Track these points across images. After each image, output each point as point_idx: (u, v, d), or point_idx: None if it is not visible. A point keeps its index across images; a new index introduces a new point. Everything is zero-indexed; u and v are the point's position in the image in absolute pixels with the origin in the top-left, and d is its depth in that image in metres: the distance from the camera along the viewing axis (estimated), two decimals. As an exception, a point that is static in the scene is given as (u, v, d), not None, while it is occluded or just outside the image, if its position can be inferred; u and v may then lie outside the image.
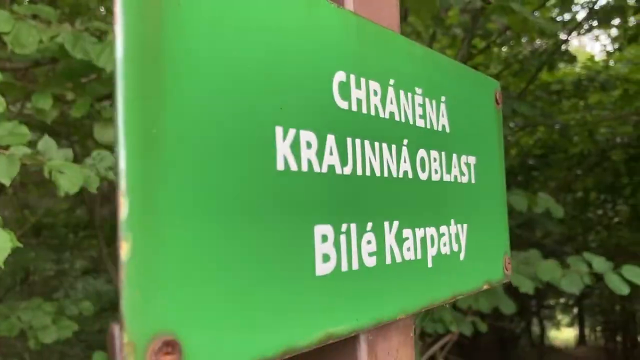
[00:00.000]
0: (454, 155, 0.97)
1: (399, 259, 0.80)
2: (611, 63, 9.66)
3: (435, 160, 0.91)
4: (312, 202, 0.67)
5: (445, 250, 0.91)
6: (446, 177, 0.94)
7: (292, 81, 0.67)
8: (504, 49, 7.70)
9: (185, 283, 0.51)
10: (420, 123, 0.89)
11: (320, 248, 0.67)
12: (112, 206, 5.82)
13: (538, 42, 7.22)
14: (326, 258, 0.68)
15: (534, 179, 9.35)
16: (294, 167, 0.65)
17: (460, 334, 4.75)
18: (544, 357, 16.83)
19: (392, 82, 0.84)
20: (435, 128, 0.93)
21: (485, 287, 1.01)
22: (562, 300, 17.82)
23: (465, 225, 0.98)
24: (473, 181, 1.02)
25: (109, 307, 6.22)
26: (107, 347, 0.47)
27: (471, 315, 4.83)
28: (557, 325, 22.13)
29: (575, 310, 18.77)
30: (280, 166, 0.63)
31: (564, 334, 22.64)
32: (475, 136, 1.05)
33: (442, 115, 0.95)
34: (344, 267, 0.71)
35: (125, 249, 0.46)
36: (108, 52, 2.33)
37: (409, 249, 0.83)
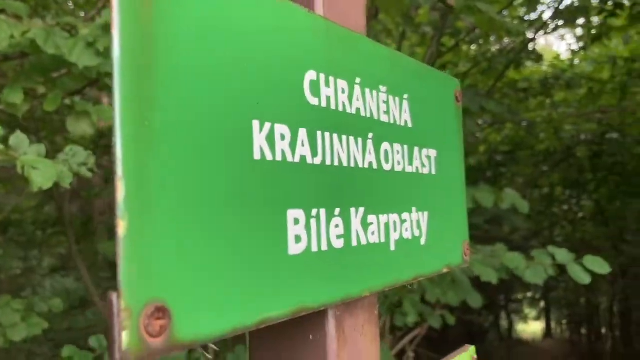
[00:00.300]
0: (416, 149, 1.05)
1: (364, 242, 0.88)
2: (577, 62, 9.86)
3: (398, 152, 0.99)
4: (286, 188, 0.74)
5: (407, 235, 0.99)
6: (408, 169, 1.02)
7: (267, 79, 0.74)
8: (473, 47, 7.81)
9: (174, 257, 0.58)
10: (384, 118, 0.97)
11: (292, 230, 0.75)
12: (82, 202, 5.77)
13: (506, 40, 7.34)
14: (298, 239, 0.76)
15: (502, 175, 9.51)
16: (269, 156, 0.72)
17: (430, 328, 4.85)
18: (512, 350, 17.13)
19: (358, 80, 0.91)
20: (398, 123, 1.00)
21: (445, 270, 1.09)
22: (529, 294, 18.16)
23: (426, 213, 1.06)
24: (434, 172, 1.10)
25: (79, 305, 6.16)
26: (107, 313, 0.54)
27: (440, 309, 4.94)
28: (525, 319, 22.55)
29: (542, 304, 19.15)
30: (257, 155, 0.71)
31: (531, 328, 23.08)
32: (436, 131, 1.13)
33: (405, 112, 1.02)
34: (314, 248, 0.78)
35: (122, 227, 0.53)
36: (80, 47, 2.34)
37: (373, 233, 0.90)
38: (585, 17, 6.97)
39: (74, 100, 2.70)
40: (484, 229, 7.85)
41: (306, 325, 0.83)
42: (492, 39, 7.26)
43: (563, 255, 3.74)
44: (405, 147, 1.02)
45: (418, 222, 1.03)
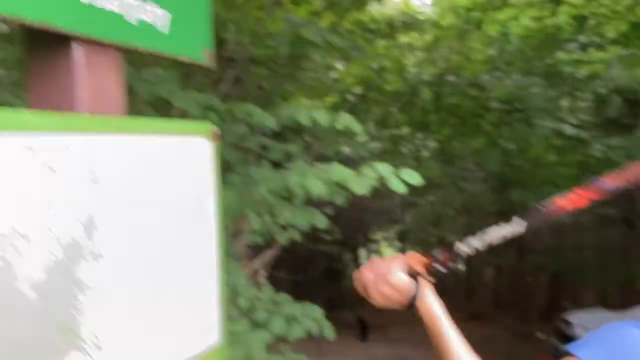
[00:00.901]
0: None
1: (106, 7, 1.27)
2: (426, 10, 10.57)
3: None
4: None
5: (148, 19, 1.38)
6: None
7: None
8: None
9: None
10: None
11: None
12: None
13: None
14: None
15: (355, 115, 10.07)
16: None
17: (292, 266, 5.28)
18: (370, 287, 18.31)
19: None
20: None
21: (184, 59, 1.53)
22: (386, 234, 19.43)
23: (167, 14, 1.46)
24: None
25: None
26: None
27: (290, 229, 5.46)
28: (382, 257, 23.95)
29: (398, 243, 20.48)
30: None
31: (388, 266, 24.59)
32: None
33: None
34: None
35: None
36: None
37: (111, 3, 1.29)
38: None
39: None
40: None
41: (60, 50, 1.21)
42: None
43: (385, 168, 4.32)
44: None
45: (157, 14, 1.43)
